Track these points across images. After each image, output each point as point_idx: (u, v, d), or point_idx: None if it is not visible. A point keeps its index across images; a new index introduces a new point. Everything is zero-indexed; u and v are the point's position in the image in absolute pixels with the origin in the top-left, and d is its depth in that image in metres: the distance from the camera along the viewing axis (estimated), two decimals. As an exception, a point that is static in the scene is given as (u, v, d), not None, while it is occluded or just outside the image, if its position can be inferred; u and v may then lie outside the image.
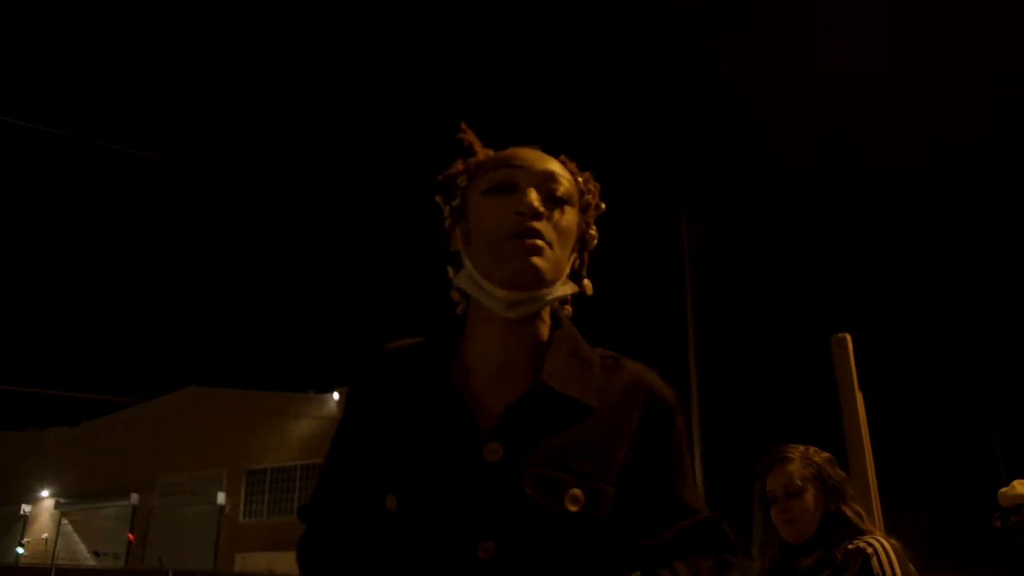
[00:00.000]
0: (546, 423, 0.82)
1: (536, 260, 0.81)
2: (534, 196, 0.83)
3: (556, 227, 0.85)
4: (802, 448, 1.69)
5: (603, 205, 0.96)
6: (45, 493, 16.89)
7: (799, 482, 1.63)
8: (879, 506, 2.31)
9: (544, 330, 0.88)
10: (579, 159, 0.93)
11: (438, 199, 0.93)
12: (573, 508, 0.78)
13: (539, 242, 0.82)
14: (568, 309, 0.91)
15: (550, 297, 0.85)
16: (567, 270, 0.88)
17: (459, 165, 0.92)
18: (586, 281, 0.91)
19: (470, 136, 0.94)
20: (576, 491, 0.79)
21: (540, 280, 0.82)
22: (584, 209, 0.92)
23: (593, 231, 0.94)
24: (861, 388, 2.56)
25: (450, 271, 0.92)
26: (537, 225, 0.82)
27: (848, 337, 2.53)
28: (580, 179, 0.92)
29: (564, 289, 0.86)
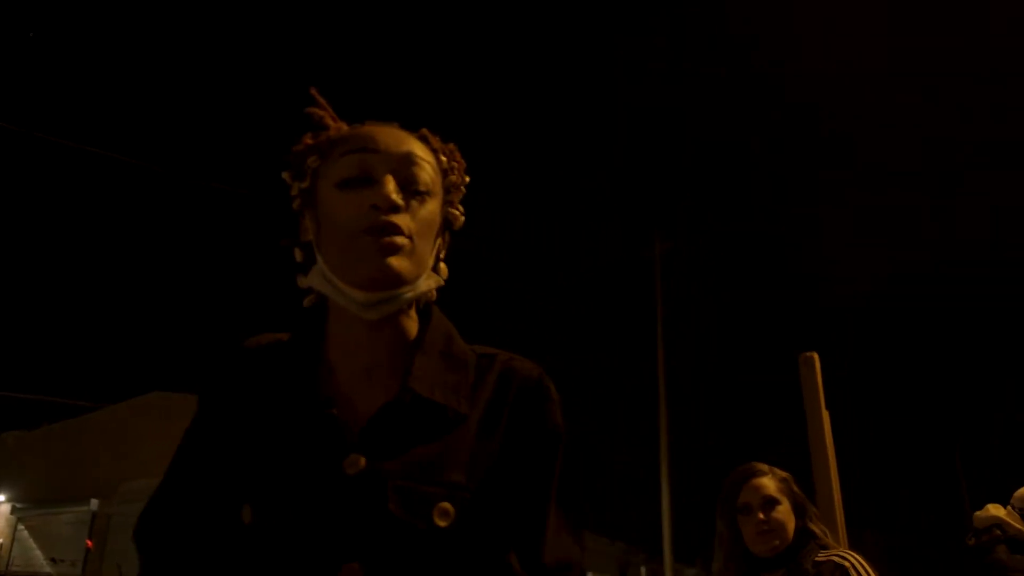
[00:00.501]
0: (413, 432, 0.76)
1: (394, 261, 0.75)
2: (391, 187, 0.77)
3: (416, 218, 0.78)
4: (767, 465, 1.71)
5: (468, 179, 0.88)
6: (1, 497, 16.50)
7: (775, 494, 1.64)
8: (843, 525, 2.32)
9: (411, 326, 0.82)
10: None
11: (285, 176, 0.84)
12: (442, 523, 0.73)
13: (397, 239, 0.75)
14: (432, 294, 0.84)
15: (412, 294, 0.79)
16: (431, 261, 0.82)
17: (308, 140, 0.83)
18: (442, 265, 0.85)
19: (320, 110, 0.85)
20: (445, 504, 0.73)
21: (399, 280, 0.76)
22: (448, 190, 0.85)
23: (458, 211, 0.87)
24: (828, 407, 2.58)
25: (297, 254, 0.84)
26: (395, 219, 0.76)
27: (816, 356, 2.55)
28: (443, 157, 0.85)
29: (428, 283, 0.81)
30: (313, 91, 0.85)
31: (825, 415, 2.49)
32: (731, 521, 1.67)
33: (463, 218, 0.87)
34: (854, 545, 2.27)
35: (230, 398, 0.82)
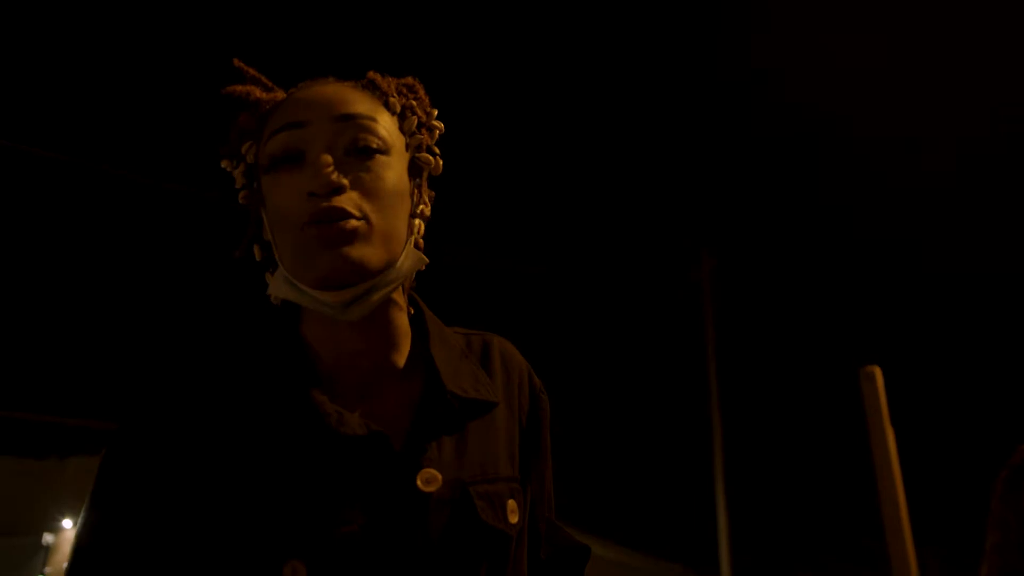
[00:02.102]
0: (457, 432, 0.67)
1: (349, 250, 0.61)
2: (328, 166, 0.62)
3: (371, 190, 0.64)
4: None
5: (435, 114, 0.73)
6: (68, 523, 16.89)
7: None
8: (912, 547, 2.22)
9: (403, 319, 0.70)
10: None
11: (225, 164, 0.71)
12: (514, 520, 0.67)
13: (348, 223, 0.62)
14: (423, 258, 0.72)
15: (397, 281, 0.66)
16: (407, 233, 0.68)
17: (242, 120, 0.69)
18: (416, 222, 0.71)
19: (243, 86, 0.70)
20: (512, 501, 0.68)
21: (363, 270, 0.62)
22: (412, 135, 0.71)
23: (431, 157, 0.72)
24: (892, 423, 2.48)
25: (256, 252, 0.71)
26: (339, 202, 0.62)
27: (878, 370, 2.45)
28: (394, 99, 0.70)
29: (410, 262, 0.67)
30: (237, 62, 0.72)
31: (890, 432, 2.39)
32: (1018, 507, 1.40)
33: (440, 162, 0.73)
34: (924, 567, 2.18)
35: (189, 431, 0.63)
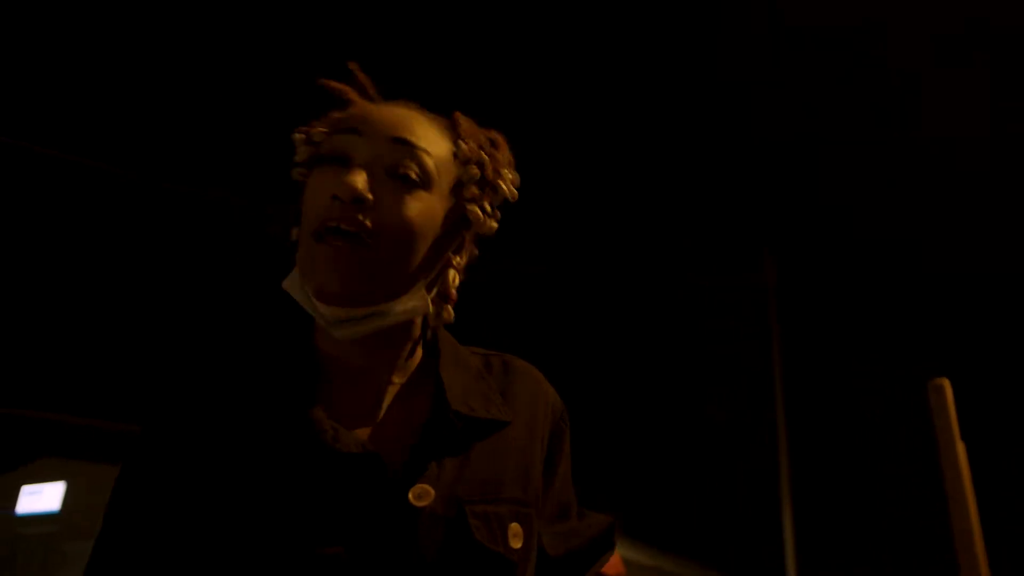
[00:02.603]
0: (463, 451, 0.67)
1: (341, 274, 0.62)
2: (360, 175, 0.62)
3: (394, 215, 0.63)
4: None
5: (510, 177, 0.72)
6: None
7: None
8: (987, 569, 2.15)
9: (410, 339, 0.71)
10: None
11: (296, 138, 0.71)
12: (516, 545, 0.66)
13: (354, 246, 0.62)
14: (448, 311, 0.71)
15: (393, 319, 0.65)
16: (425, 274, 0.67)
17: (334, 115, 0.70)
18: (451, 273, 0.70)
19: (343, 84, 0.71)
20: (515, 524, 0.66)
21: (350, 296, 0.63)
22: (464, 183, 0.69)
23: (479, 211, 0.70)
24: (963, 438, 2.40)
25: (293, 233, 0.71)
26: (354, 212, 0.62)
27: (947, 383, 2.38)
28: (466, 145, 0.69)
29: (415, 304, 0.66)
30: (352, 65, 0.72)
31: (960, 447, 2.32)
32: None
33: (493, 222, 0.72)
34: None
35: (196, 445, 0.63)
